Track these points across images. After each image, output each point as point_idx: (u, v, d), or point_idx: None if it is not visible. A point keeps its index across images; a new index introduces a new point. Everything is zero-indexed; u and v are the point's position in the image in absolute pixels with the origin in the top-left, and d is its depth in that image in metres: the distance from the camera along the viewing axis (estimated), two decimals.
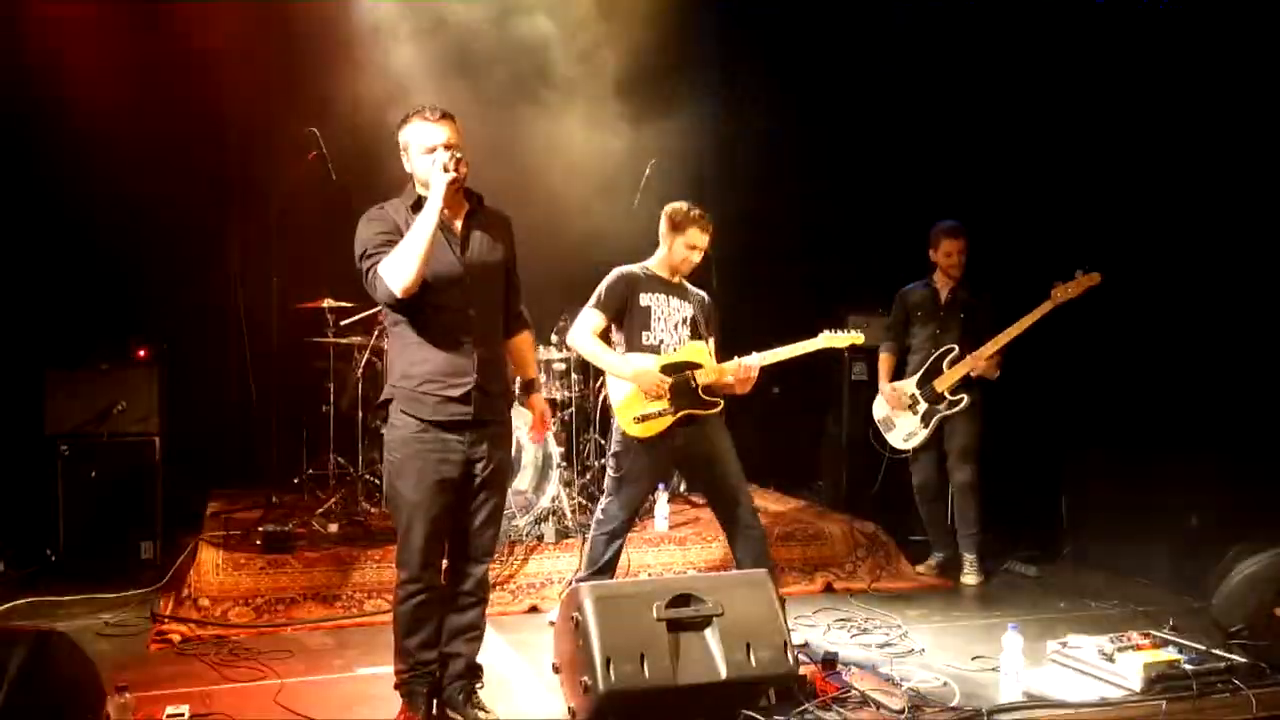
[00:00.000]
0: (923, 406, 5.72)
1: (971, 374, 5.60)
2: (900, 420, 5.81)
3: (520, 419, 5.50)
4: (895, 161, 7.18)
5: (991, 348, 5.54)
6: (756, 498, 6.62)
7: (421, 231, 3.34)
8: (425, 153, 3.47)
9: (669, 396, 4.46)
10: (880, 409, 5.92)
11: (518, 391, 4.24)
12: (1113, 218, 6.28)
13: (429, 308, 3.46)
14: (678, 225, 4.53)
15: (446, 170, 3.37)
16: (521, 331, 3.87)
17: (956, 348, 5.66)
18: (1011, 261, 6.25)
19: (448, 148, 3.45)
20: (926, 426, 5.72)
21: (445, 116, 3.51)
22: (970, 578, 5.69)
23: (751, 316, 6.64)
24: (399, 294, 3.37)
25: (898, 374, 5.90)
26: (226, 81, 6.66)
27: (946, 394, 5.65)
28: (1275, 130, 5.53)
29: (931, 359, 5.72)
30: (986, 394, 5.70)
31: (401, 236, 3.43)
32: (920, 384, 5.74)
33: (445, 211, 3.43)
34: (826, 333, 4.61)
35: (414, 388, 3.50)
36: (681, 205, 4.56)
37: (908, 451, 5.84)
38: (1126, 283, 5.80)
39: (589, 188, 6.56)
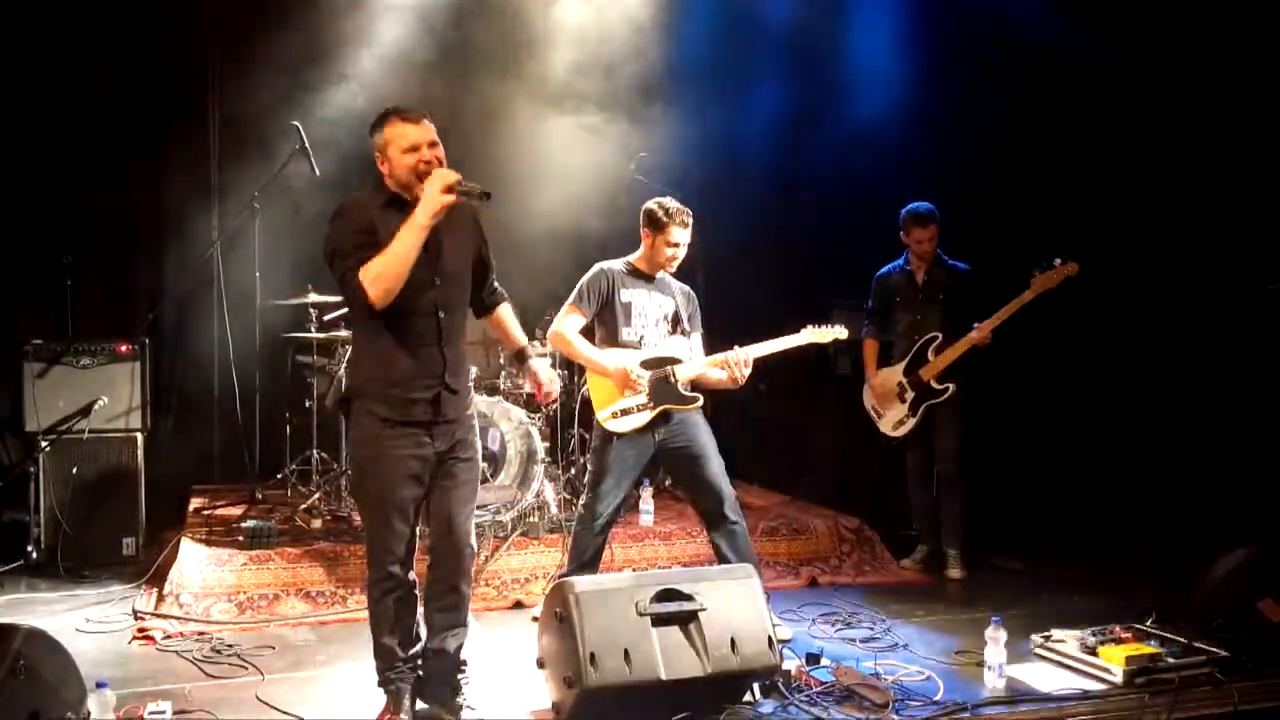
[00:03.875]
0: (910, 395, 5.71)
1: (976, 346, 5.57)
2: (889, 409, 5.81)
3: (501, 412, 5.51)
4: (880, 153, 7.19)
5: (964, 346, 5.53)
6: (741, 493, 6.62)
7: (407, 243, 3.28)
8: (406, 151, 3.39)
9: (648, 392, 4.45)
10: (870, 398, 5.93)
11: (507, 362, 4.15)
12: (1095, 210, 6.31)
13: (398, 312, 3.40)
14: (658, 224, 4.50)
15: (451, 191, 3.28)
16: (499, 304, 3.87)
17: (940, 335, 5.66)
18: (992, 245, 6.24)
19: (431, 146, 3.41)
20: (915, 415, 5.71)
21: (424, 116, 3.44)
22: (954, 571, 5.70)
23: (737, 311, 6.64)
24: (378, 303, 3.33)
25: (882, 360, 5.89)
26: (210, 74, 6.64)
27: (933, 382, 5.66)
28: (1261, 128, 5.57)
29: (916, 347, 5.71)
30: (971, 384, 5.70)
31: (375, 235, 3.37)
32: (907, 372, 5.73)
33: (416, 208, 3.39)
34: (810, 328, 4.60)
35: (381, 389, 3.47)
36: (660, 203, 4.52)
37: (899, 439, 5.83)
38: (1110, 277, 5.83)
39: (574, 184, 6.56)
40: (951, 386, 5.64)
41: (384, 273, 3.30)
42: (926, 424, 5.73)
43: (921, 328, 5.73)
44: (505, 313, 3.91)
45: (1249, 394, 5.75)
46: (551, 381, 3.98)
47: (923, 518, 5.91)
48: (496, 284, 3.85)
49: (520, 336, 3.97)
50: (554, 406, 6.04)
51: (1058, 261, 5.34)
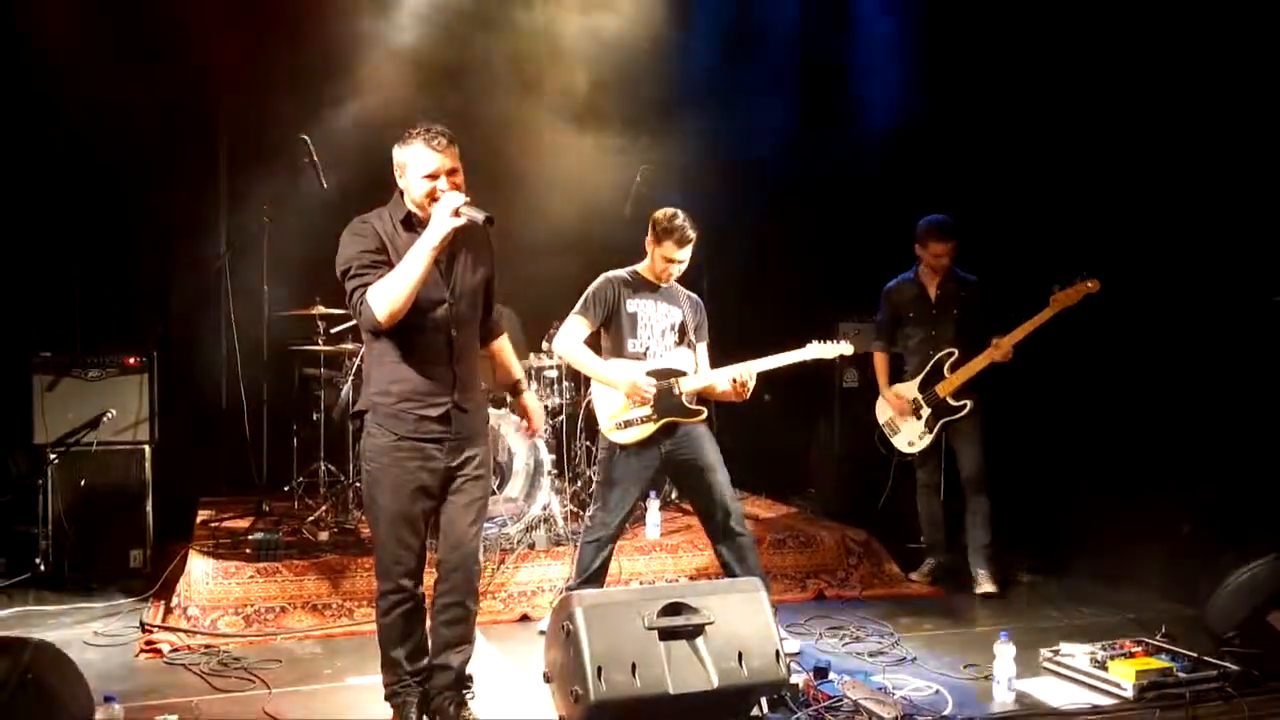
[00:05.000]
0: (926, 411, 5.61)
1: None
2: (904, 425, 5.71)
3: (509, 425, 5.51)
4: (887, 166, 7.18)
5: (982, 362, 5.45)
6: (748, 505, 6.65)
7: (415, 266, 3.31)
8: (424, 178, 3.42)
9: (652, 403, 4.44)
10: (884, 412, 5.81)
11: (508, 395, 4.21)
12: (1114, 223, 6.27)
13: (411, 329, 3.43)
14: (657, 236, 4.49)
15: (458, 215, 3.31)
16: (498, 337, 3.90)
17: (956, 351, 5.57)
18: (1007, 259, 6.20)
19: (450, 173, 3.42)
20: (931, 431, 5.61)
21: (450, 143, 3.45)
22: (988, 586, 5.55)
23: (743, 324, 6.63)
24: (385, 323, 3.35)
25: (894, 373, 5.80)
26: (218, 87, 6.68)
27: (949, 399, 5.57)
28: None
29: (932, 362, 5.61)
30: (988, 399, 5.62)
31: (387, 252, 3.41)
32: (922, 388, 5.64)
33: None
34: (815, 343, 4.58)
35: (392, 405, 3.49)
36: (665, 215, 4.50)
37: (913, 455, 5.74)
38: (1123, 292, 5.79)
39: (581, 195, 6.57)
40: (969, 403, 5.54)
41: (391, 293, 3.32)
42: (939, 438, 5.67)
43: (936, 343, 5.63)
44: (503, 345, 3.93)
45: (1259, 407, 5.72)
46: (538, 415, 4.01)
47: (933, 530, 5.85)
48: (496, 315, 3.87)
49: (517, 369, 3.99)
50: (560, 419, 6.05)
51: (1077, 278, 5.23)
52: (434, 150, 3.41)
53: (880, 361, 5.83)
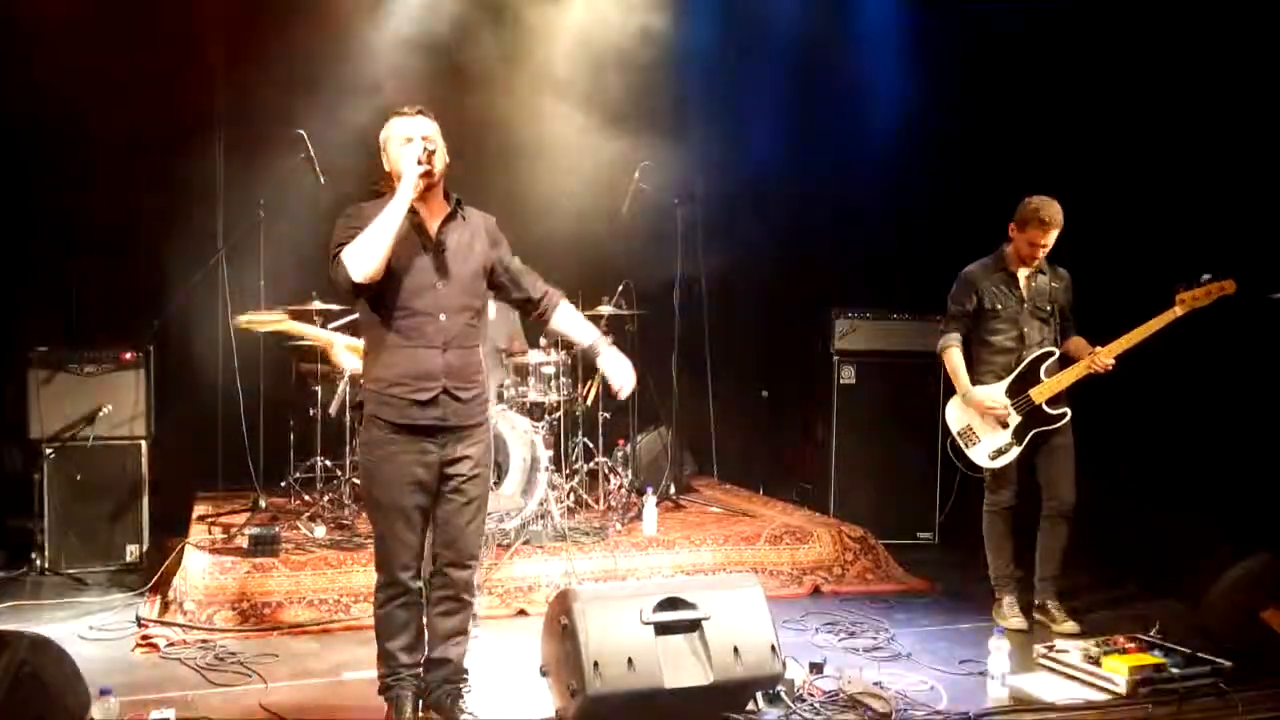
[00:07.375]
0: (1016, 419, 4.87)
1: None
2: (987, 434, 4.93)
3: (506, 421, 5.51)
4: (885, 166, 7.17)
5: (1082, 370, 4.77)
6: (745, 501, 6.65)
7: (387, 218, 3.37)
8: (402, 144, 3.49)
9: None
10: (960, 418, 5.00)
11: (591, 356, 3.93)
12: (1107, 229, 6.22)
13: (399, 310, 3.46)
14: None
15: (420, 164, 3.40)
16: (557, 306, 3.76)
17: (1055, 351, 4.88)
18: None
19: (424, 138, 3.49)
20: (1020, 443, 4.86)
21: (422, 112, 3.57)
22: (1069, 625, 4.85)
23: (739, 320, 6.64)
24: (357, 279, 3.37)
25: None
26: (216, 81, 6.67)
27: (1045, 406, 4.84)
28: None
29: (1025, 364, 4.87)
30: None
31: None
32: (1012, 392, 4.89)
33: (421, 212, 3.47)
34: None
35: (382, 390, 3.51)
36: None
37: (991, 471, 4.98)
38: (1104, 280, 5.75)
39: (580, 194, 6.57)
40: (1068, 411, 4.85)
41: (364, 247, 3.36)
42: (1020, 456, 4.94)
43: (1028, 341, 4.90)
44: (564, 314, 3.78)
45: (1254, 404, 5.72)
46: (618, 374, 3.73)
47: (1004, 564, 5.06)
48: (544, 288, 3.76)
49: (582, 335, 3.79)
50: (557, 416, 6.05)
51: (1206, 277, 4.56)
52: (408, 117, 3.54)
53: (959, 356, 4.96)
